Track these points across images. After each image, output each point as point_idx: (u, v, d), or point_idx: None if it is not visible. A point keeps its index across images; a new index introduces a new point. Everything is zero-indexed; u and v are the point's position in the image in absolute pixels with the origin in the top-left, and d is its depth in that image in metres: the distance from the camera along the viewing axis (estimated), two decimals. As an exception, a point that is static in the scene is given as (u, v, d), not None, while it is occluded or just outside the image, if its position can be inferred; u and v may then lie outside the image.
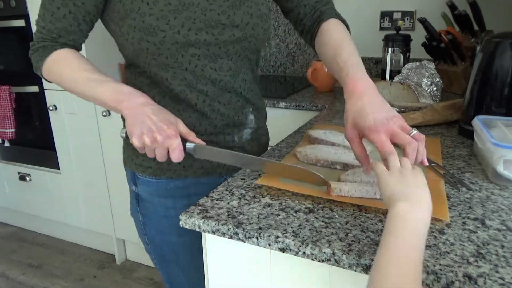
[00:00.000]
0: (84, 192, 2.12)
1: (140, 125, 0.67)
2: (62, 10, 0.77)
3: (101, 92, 0.72)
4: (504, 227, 0.57)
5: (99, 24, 0.86)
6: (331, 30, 0.86)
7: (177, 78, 0.78)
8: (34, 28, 0.82)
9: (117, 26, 0.77)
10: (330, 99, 1.47)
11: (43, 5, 0.78)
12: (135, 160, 0.84)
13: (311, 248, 0.53)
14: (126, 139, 0.73)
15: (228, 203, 0.66)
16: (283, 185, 0.68)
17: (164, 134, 0.66)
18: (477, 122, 0.81)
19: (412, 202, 0.48)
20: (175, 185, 0.83)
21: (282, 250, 0.55)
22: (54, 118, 2.05)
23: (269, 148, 0.96)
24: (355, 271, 0.51)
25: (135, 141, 0.67)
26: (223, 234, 0.59)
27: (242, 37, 0.79)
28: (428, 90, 1.25)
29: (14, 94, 2.12)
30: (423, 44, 1.55)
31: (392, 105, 1.13)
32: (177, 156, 0.67)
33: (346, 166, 0.76)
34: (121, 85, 0.73)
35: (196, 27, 0.74)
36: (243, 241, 0.58)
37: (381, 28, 1.84)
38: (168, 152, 0.67)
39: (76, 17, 0.78)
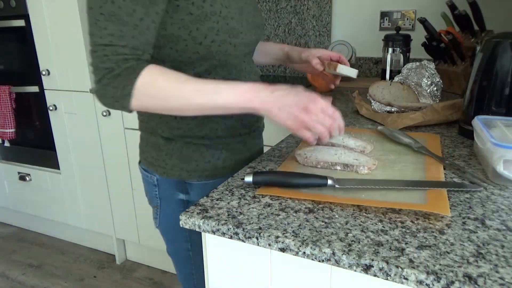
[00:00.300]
0: (84, 192, 2.12)
1: (291, 116, 0.68)
2: (145, 21, 0.68)
3: (223, 99, 0.68)
4: (504, 227, 0.57)
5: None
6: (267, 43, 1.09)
7: (236, 80, 0.83)
8: (96, 52, 0.67)
9: (186, 29, 0.73)
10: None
11: (118, 21, 0.65)
12: (186, 167, 0.84)
13: (311, 248, 0.53)
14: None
15: (228, 203, 0.66)
16: (283, 192, 0.68)
17: (317, 111, 0.68)
18: (477, 122, 0.81)
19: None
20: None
21: (282, 250, 0.55)
22: (54, 118, 2.05)
23: (269, 148, 0.96)
24: (355, 271, 0.51)
25: (303, 133, 0.70)
26: (223, 234, 0.59)
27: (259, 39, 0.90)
28: (428, 90, 1.25)
29: (14, 94, 2.12)
30: (423, 44, 1.55)
31: (392, 105, 1.14)
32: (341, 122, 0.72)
33: (346, 167, 0.77)
34: (236, 84, 0.70)
35: (250, 29, 0.82)
36: (243, 241, 0.58)
37: (381, 28, 1.84)
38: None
39: (156, 26, 0.70)
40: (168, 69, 0.70)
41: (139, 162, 0.95)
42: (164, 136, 0.83)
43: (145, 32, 0.68)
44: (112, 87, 0.67)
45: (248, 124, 0.88)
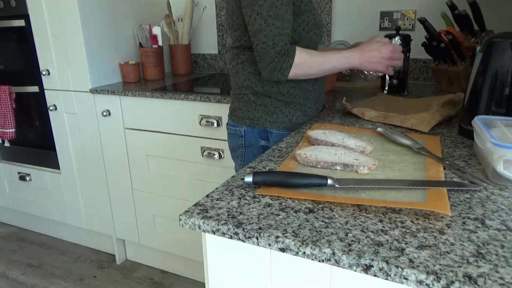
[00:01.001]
0: (84, 192, 2.12)
1: (377, 65, 1.10)
2: (290, 16, 1.01)
3: (342, 64, 1.08)
4: (504, 227, 0.57)
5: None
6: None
7: None
8: (268, 42, 0.99)
9: None
10: (330, 99, 1.47)
11: (280, 19, 0.98)
12: (269, 119, 1.12)
13: (311, 248, 0.53)
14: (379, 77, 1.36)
15: (228, 203, 0.66)
16: (283, 192, 0.68)
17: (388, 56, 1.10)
18: (477, 122, 0.81)
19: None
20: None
21: (282, 250, 0.55)
22: (54, 118, 2.05)
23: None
24: (355, 271, 0.51)
25: (389, 71, 1.14)
26: (223, 234, 0.59)
27: None
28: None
29: (14, 94, 2.12)
30: (423, 44, 1.55)
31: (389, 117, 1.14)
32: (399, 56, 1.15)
33: (346, 167, 0.77)
34: (343, 52, 1.08)
35: (323, 24, 1.21)
36: (243, 241, 0.58)
37: (381, 28, 1.84)
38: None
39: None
40: (306, 49, 1.05)
41: (227, 124, 1.21)
42: (256, 91, 1.11)
43: (292, 23, 1.02)
44: (281, 62, 1.01)
45: (316, 88, 1.17)
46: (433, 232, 0.56)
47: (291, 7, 1.00)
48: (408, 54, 1.54)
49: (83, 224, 2.19)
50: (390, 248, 0.52)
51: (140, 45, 2.03)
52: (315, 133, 0.94)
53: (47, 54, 1.94)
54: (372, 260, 0.50)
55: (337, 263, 0.52)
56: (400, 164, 0.79)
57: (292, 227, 0.58)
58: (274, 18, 0.98)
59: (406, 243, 0.53)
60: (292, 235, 0.55)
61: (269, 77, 1.03)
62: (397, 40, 1.41)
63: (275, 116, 1.12)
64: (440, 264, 0.48)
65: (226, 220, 0.60)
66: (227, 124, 1.22)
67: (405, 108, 1.21)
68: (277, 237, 0.55)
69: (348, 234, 0.55)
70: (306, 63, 1.03)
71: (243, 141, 1.16)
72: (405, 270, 0.48)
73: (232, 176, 0.77)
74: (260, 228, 0.57)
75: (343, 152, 0.81)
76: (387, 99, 1.36)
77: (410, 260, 0.49)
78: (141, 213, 1.97)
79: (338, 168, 0.77)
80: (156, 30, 2.04)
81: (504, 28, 1.57)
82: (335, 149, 0.83)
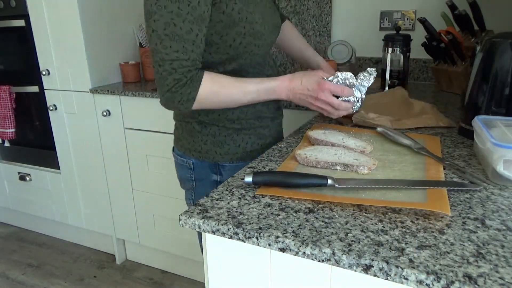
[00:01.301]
0: (84, 192, 2.12)
1: (307, 103, 0.92)
2: (199, 36, 0.83)
3: (262, 97, 0.91)
4: (504, 227, 0.57)
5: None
6: (292, 31, 1.23)
7: (258, 73, 0.97)
8: (164, 66, 0.81)
9: (217, 35, 0.87)
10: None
11: (179, 39, 0.80)
12: (219, 151, 0.97)
13: (311, 248, 0.53)
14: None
15: (228, 203, 0.66)
16: (283, 192, 0.68)
17: (323, 100, 0.90)
18: (477, 122, 0.81)
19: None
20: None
21: (282, 250, 0.55)
22: (54, 118, 2.05)
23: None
24: (355, 271, 0.51)
25: (318, 109, 0.93)
26: (223, 234, 0.59)
27: None
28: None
29: (14, 94, 2.12)
30: (423, 44, 1.55)
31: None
32: (345, 106, 0.91)
33: (346, 167, 0.77)
34: (268, 81, 0.90)
35: (271, 30, 0.96)
36: (243, 241, 0.58)
37: (381, 28, 1.84)
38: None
39: (204, 38, 0.85)
40: (218, 75, 0.88)
41: (173, 149, 1.07)
42: (200, 120, 0.96)
43: (199, 45, 0.84)
44: (180, 93, 0.83)
45: (272, 109, 1.02)
46: (433, 232, 0.56)
47: (201, 24, 0.82)
48: (408, 54, 1.54)
49: (83, 224, 2.19)
50: (390, 248, 0.52)
51: (140, 45, 2.03)
52: (315, 133, 0.94)
53: (47, 54, 1.94)
54: (372, 260, 0.50)
55: (337, 263, 0.52)
56: (400, 164, 0.79)
57: (292, 227, 0.58)
58: (171, 39, 0.79)
59: (406, 243, 0.53)
60: (292, 235, 0.55)
61: (166, 107, 0.87)
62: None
63: (226, 147, 0.97)
64: (440, 264, 0.48)
65: (226, 220, 0.60)
66: (173, 151, 1.07)
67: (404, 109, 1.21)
68: (277, 237, 0.55)
69: (348, 234, 0.55)
70: (215, 95, 0.86)
71: (193, 174, 1.02)
72: (405, 270, 0.48)
73: (232, 176, 0.77)
74: (260, 228, 0.57)
75: (343, 152, 0.81)
76: (386, 101, 1.35)
77: (410, 260, 0.49)
78: (141, 213, 1.97)
79: (338, 168, 0.77)
80: (156, 30, 2.04)
81: (504, 28, 1.57)
82: (335, 149, 0.83)
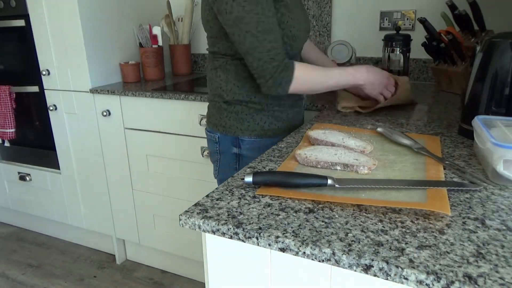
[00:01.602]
0: (84, 192, 2.12)
1: (375, 91, 1.15)
2: (277, 25, 0.98)
3: (344, 80, 1.08)
4: (504, 227, 0.57)
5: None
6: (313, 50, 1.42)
7: None
8: (263, 58, 0.96)
9: None
10: (330, 98, 1.47)
11: (270, 32, 0.95)
12: (240, 126, 1.10)
13: (311, 248, 0.53)
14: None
15: (228, 203, 0.66)
16: (283, 192, 0.68)
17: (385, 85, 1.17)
18: (477, 122, 0.81)
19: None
20: (272, 142, 1.10)
21: (282, 250, 0.55)
22: (54, 118, 2.05)
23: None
24: (355, 271, 0.51)
25: (379, 97, 1.18)
26: (223, 234, 0.59)
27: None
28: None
29: (14, 94, 2.12)
30: (423, 44, 1.55)
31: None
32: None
33: (346, 167, 0.77)
34: (347, 70, 1.09)
35: (304, 35, 1.10)
36: (243, 241, 0.58)
37: (381, 28, 1.84)
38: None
39: None
40: (306, 64, 1.04)
41: (206, 129, 1.20)
42: (227, 100, 1.09)
43: (281, 35, 0.99)
44: (281, 77, 0.98)
45: (292, 99, 1.14)
46: (433, 232, 0.56)
47: (276, 20, 0.97)
48: (408, 54, 1.54)
49: (83, 224, 2.19)
50: (390, 248, 0.52)
51: (140, 45, 2.03)
52: (315, 133, 0.94)
53: (47, 54, 1.94)
54: (372, 260, 0.50)
55: (337, 263, 0.52)
56: (400, 164, 0.79)
57: (292, 227, 0.58)
58: (265, 33, 0.94)
59: (406, 243, 0.53)
60: (292, 235, 0.55)
61: (269, 92, 1.01)
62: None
63: (246, 123, 1.10)
64: (440, 264, 0.48)
65: (226, 220, 0.60)
66: (205, 129, 1.22)
67: None
68: (277, 237, 0.55)
69: (348, 234, 0.55)
70: (307, 77, 1.01)
71: (218, 147, 1.16)
72: (405, 270, 0.48)
73: (232, 176, 0.77)
74: (260, 228, 0.57)
75: (343, 152, 0.81)
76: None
77: (410, 260, 0.49)
78: (141, 213, 1.97)
79: (338, 168, 0.77)
80: (156, 30, 2.04)
81: (504, 28, 1.57)
82: (335, 149, 0.83)
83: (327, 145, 0.87)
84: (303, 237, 0.55)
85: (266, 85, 0.99)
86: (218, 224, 0.59)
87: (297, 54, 1.12)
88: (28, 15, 1.93)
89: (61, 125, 2.04)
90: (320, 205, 0.64)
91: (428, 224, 0.58)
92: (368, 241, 0.54)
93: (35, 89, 2.07)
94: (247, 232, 0.57)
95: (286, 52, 1.03)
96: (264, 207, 0.64)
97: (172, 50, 2.13)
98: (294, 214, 0.61)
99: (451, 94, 1.48)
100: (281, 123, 1.13)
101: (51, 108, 2.02)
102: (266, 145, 1.11)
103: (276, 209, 0.63)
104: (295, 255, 0.54)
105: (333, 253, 0.52)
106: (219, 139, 1.14)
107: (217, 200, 0.67)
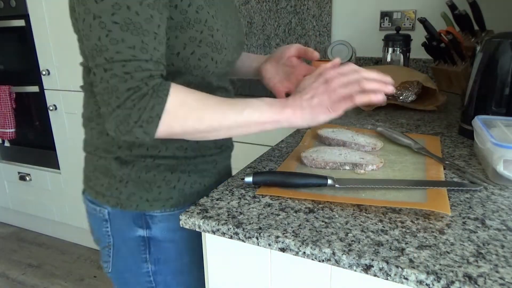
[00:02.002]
0: (84, 192, 2.12)
1: (318, 111, 0.64)
2: (162, 28, 0.58)
3: (259, 113, 0.63)
4: (504, 227, 0.57)
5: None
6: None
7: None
8: (112, 70, 0.55)
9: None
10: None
11: (136, 29, 0.55)
12: (146, 196, 0.70)
13: (311, 248, 0.53)
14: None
15: (228, 203, 0.66)
16: (283, 192, 0.68)
17: (327, 92, 0.64)
18: (477, 122, 0.81)
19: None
20: None
21: (282, 250, 0.55)
22: (54, 118, 2.05)
23: (269, 148, 0.96)
24: (355, 271, 0.51)
25: (327, 117, 0.64)
26: (223, 234, 0.59)
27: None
28: None
29: (14, 94, 2.12)
30: (423, 44, 1.55)
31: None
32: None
33: (355, 166, 0.76)
34: (260, 100, 0.64)
35: (234, 46, 0.72)
36: (243, 241, 0.58)
37: (381, 28, 1.84)
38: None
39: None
40: (188, 88, 0.61)
41: (83, 192, 0.77)
42: (119, 157, 0.69)
43: (162, 41, 0.58)
44: (138, 109, 0.55)
45: (220, 141, 0.78)
46: (433, 232, 0.56)
47: (162, 11, 0.58)
48: (408, 54, 1.54)
49: (83, 224, 2.19)
50: (390, 248, 0.52)
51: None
52: (324, 131, 0.94)
53: (47, 54, 1.94)
54: (372, 260, 0.50)
55: (337, 263, 0.52)
56: (400, 164, 0.79)
57: (292, 227, 0.58)
58: (124, 30, 0.54)
59: (406, 243, 0.53)
60: (292, 235, 0.55)
61: (118, 136, 0.58)
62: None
63: (155, 190, 0.71)
64: (440, 264, 0.48)
65: (226, 220, 0.60)
66: (82, 194, 0.78)
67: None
68: (277, 237, 0.55)
69: (348, 234, 0.55)
70: (189, 111, 0.59)
71: (109, 228, 0.74)
72: (405, 270, 0.48)
73: (232, 176, 0.77)
74: (260, 228, 0.57)
75: (347, 152, 0.81)
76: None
77: (410, 260, 0.49)
78: (141, 213, 1.97)
79: (347, 167, 0.77)
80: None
81: (504, 28, 1.57)
82: (339, 149, 0.83)
83: (338, 143, 0.88)
84: (303, 237, 0.55)
85: (113, 121, 0.56)
86: (218, 224, 0.59)
87: (223, 74, 0.73)
88: (28, 15, 1.94)
89: (61, 125, 2.04)
90: (320, 205, 0.64)
91: (428, 224, 0.58)
92: (368, 241, 0.54)
93: (35, 89, 2.07)
94: (247, 232, 0.57)
95: (206, 68, 0.66)
96: (264, 207, 0.64)
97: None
98: (294, 214, 0.61)
99: (451, 94, 1.48)
100: (208, 179, 0.76)
101: (51, 108, 2.02)
102: None
103: (276, 209, 0.63)
104: (295, 255, 0.54)
105: (333, 253, 0.52)
106: (109, 216, 0.73)
107: (217, 200, 0.67)
